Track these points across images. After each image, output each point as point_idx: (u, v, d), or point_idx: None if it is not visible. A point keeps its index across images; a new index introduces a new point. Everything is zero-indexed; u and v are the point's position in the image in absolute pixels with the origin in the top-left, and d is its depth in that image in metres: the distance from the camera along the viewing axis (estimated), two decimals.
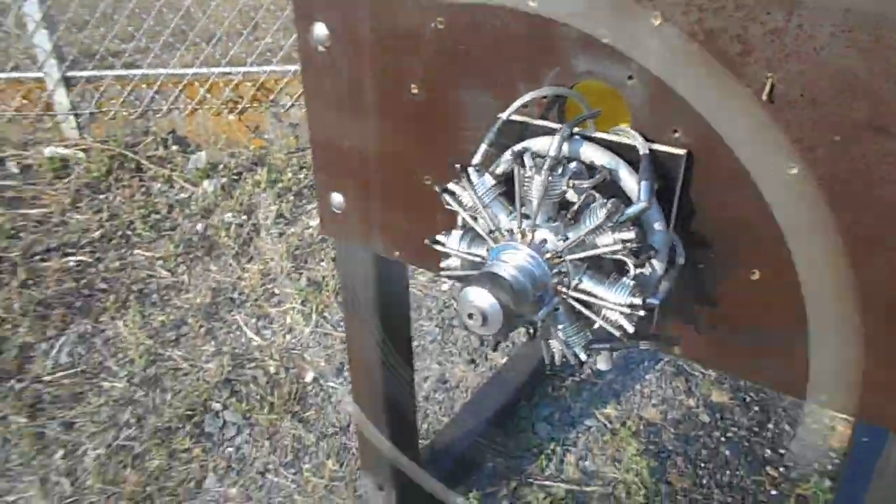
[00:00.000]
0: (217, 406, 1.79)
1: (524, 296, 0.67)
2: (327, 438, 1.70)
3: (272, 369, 1.91)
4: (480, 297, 0.65)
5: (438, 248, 0.79)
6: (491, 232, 0.73)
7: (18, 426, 1.73)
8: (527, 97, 0.76)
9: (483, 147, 0.77)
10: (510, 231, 0.71)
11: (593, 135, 0.73)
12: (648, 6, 0.68)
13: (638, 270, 0.69)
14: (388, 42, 0.87)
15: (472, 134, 0.85)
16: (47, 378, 1.88)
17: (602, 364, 0.83)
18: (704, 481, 1.62)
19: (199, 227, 2.51)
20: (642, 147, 0.70)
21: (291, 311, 2.11)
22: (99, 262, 2.33)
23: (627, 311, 0.67)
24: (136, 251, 2.39)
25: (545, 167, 0.67)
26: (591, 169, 0.73)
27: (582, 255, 0.68)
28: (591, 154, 0.72)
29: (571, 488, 1.58)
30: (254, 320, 2.09)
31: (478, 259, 0.75)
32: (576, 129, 0.74)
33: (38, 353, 1.96)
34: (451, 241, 0.78)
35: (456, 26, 0.81)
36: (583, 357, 0.74)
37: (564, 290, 0.70)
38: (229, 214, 2.56)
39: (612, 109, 0.77)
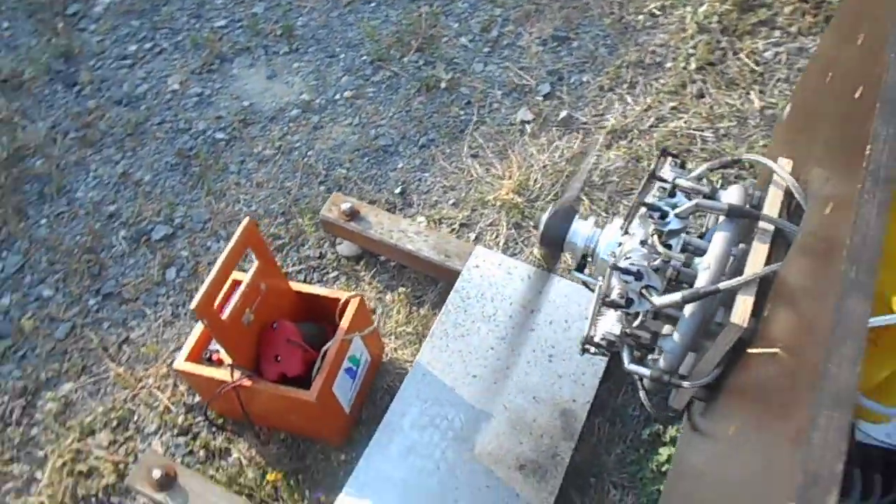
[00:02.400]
0: None
1: (569, 246, 0.80)
2: None
3: None
4: (544, 216, 0.81)
5: None
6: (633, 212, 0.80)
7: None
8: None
9: (701, 168, 0.75)
10: (627, 220, 0.78)
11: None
12: None
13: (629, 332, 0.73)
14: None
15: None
16: None
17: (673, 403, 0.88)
18: None
19: None
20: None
21: None
22: None
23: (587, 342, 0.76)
24: None
25: (652, 216, 0.70)
26: None
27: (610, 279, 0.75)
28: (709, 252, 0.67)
29: None
30: None
31: None
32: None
33: None
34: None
35: None
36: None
37: (600, 282, 0.78)
38: None
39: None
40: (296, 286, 1.55)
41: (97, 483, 1.57)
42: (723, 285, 0.63)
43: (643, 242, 0.74)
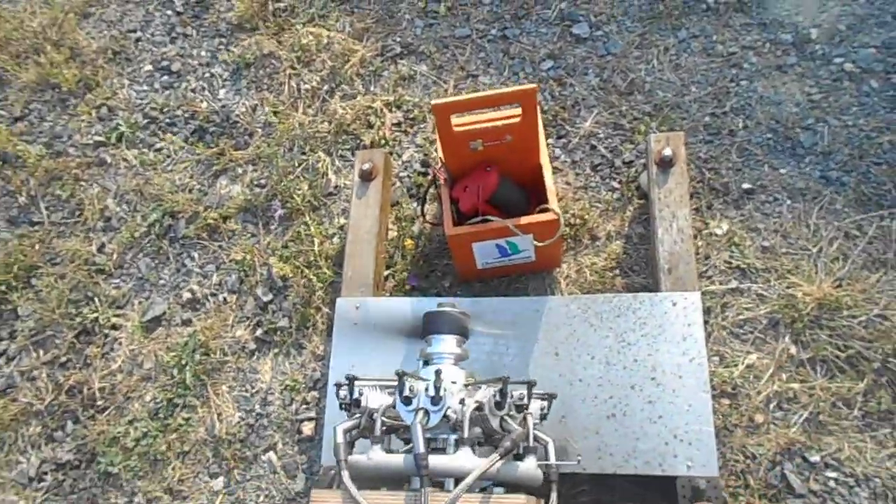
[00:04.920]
0: None
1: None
2: None
3: None
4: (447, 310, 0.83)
5: None
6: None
7: None
8: None
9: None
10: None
11: None
12: None
13: None
14: None
15: None
16: None
17: None
18: None
19: None
20: None
21: None
22: None
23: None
24: None
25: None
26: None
27: None
28: None
29: None
30: None
31: None
32: None
33: None
34: None
35: None
36: None
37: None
38: None
39: None
40: (544, 162, 1.62)
41: (362, 137, 2.05)
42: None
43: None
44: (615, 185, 1.86)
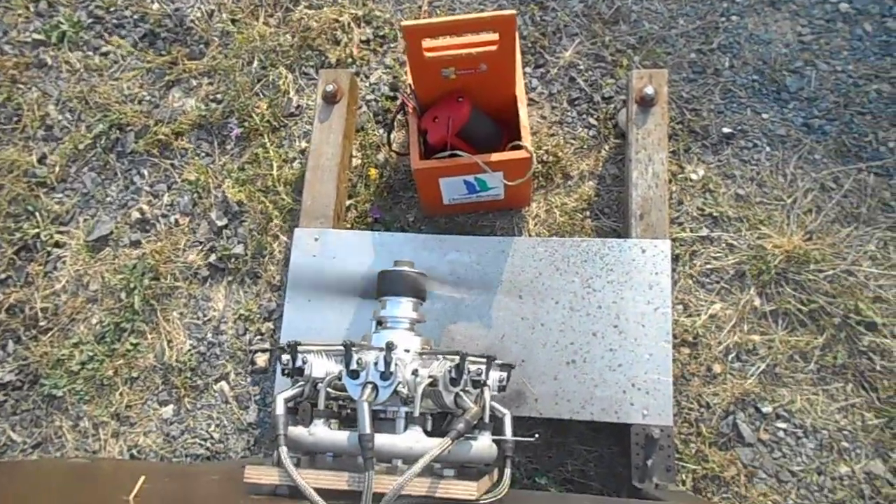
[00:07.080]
0: None
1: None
2: None
3: None
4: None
5: None
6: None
7: None
8: None
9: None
10: None
11: None
12: None
13: None
14: None
15: None
16: None
17: None
18: None
19: None
20: None
21: None
22: None
23: None
24: None
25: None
26: None
27: None
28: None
29: None
30: None
31: None
32: None
33: None
34: None
35: None
36: None
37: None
38: None
39: None
40: (520, 95, 1.52)
41: (327, 53, 1.90)
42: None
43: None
44: (592, 121, 1.77)
